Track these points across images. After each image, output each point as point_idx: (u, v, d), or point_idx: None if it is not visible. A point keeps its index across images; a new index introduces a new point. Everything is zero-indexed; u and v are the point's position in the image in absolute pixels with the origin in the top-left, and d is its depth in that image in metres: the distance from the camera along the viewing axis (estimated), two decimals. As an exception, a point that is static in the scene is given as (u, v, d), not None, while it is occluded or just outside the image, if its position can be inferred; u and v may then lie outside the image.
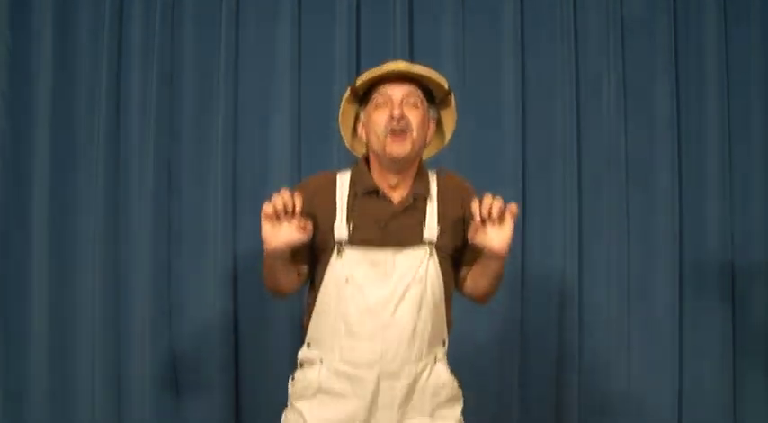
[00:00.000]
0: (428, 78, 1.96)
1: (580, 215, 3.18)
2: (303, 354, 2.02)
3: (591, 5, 3.23)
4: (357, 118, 2.03)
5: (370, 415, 1.93)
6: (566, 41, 3.19)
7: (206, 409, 3.03)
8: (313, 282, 2.03)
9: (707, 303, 3.22)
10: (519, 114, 3.16)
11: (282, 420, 2.04)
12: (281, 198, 1.82)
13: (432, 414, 1.97)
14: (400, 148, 1.91)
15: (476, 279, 2.03)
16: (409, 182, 1.98)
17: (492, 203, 1.84)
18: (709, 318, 3.21)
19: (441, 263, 1.95)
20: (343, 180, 2.00)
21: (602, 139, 3.21)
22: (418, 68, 1.97)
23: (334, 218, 1.95)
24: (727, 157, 3.23)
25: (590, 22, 3.23)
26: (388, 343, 1.91)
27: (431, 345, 1.97)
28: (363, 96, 2.00)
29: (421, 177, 2.01)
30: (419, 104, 1.95)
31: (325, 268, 1.95)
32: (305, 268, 2.04)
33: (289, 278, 2.02)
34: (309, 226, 1.87)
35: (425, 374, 1.96)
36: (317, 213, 1.96)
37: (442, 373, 2.00)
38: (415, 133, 1.93)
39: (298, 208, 1.83)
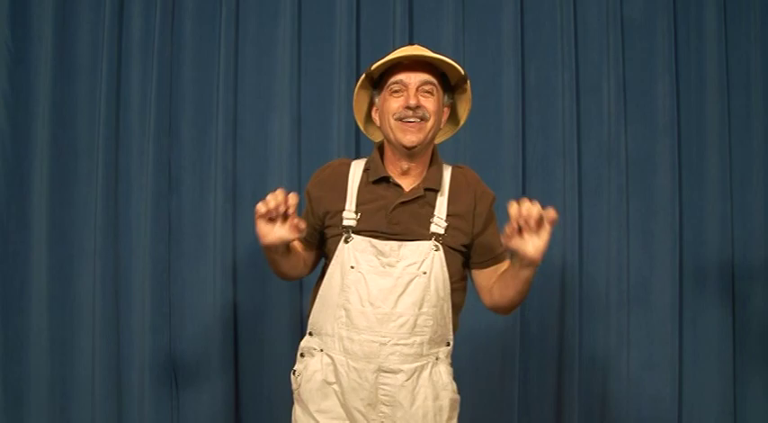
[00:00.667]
0: (443, 63, 1.96)
1: (580, 215, 3.18)
2: (304, 342, 2.04)
3: (591, 6, 3.23)
4: (372, 102, 2.04)
5: (371, 409, 1.93)
6: (566, 41, 3.19)
7: (206, 407, 3.04)
8: (323, 270, 2.03)
9: (707, 303, 3.22)
10: (519, 114, 3.16)
11: (293, 415, 2.05)
12: (275, 198, 1.84)
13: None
14: (414, 137, 1.92)
15: (503, 287, 1.97)
16: (422, 170, 1.99)
17: (530, 209, 1.79)
18: (710, 318, 3.21)
19: (447, 258, 1.94)
20: (357, 168, 2.02)
21: (602, 139, 3.21)
22: (433, 54, 1.97)
23: (344, 205, 1.96)
24: (727, 157, 3.23)
25: (590, 22, 3.23)
26: (387, 335, 1.91)
27: (432, 342, 1.96)
28: (378, 80, 2.00)
29: (435, 167, 2.00)
30: (434, 91, 1.95)
31: (333, 255, 1.97)
32: (312, 255, 2.06)
33: (292, 266, 2.06)
34: (303, 224, 1.89)
35: (426, 373, 1.95)
36: (329, 199, 1.99)
37: (443, 375, 1.99)
38: (430, 122, 1.94)
39: (291, 209, 1.84)
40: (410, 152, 1.95)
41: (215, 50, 3.10)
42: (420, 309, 1.92)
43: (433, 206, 1.96)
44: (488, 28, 3.19)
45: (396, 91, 1.94)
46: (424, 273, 1.91)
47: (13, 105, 3.02)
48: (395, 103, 1.93)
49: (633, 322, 3.19)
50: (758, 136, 3.25)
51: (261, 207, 1.85)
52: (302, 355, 2.04)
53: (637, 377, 3.18)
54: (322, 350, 1.98)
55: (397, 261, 1.92)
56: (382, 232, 1.93)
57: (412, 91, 1.92)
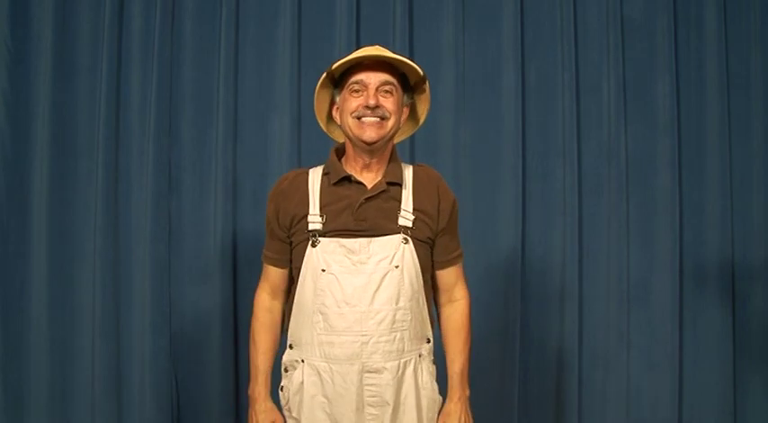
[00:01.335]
0: (403, 64, 1.98)
1: (580, 215, 3.18)
2: (286, 357, 2.03)
3: (591, 5, 3.23)
4: (333, 101, 2.05)
5: (360, 413, 1.93)
6: (566, 42, 3.19)
7: (206, 407, 3.03)
8: (293, 278, 2.03)
9: (707, 303, 3.22)
10: (519, 114, 3.16)
11: None
12: None
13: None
14: (374, 132, 1.94)
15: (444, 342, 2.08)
16: (382, 166, 2.00)
17: None
18: (710, 318, 3.21)
19: (417, 250, 1.95)
20: (316, 174, 2.03)
21: (602, 139, 3.21)
22: (393, 55, 1.98)
23: (308, 209, 1.96)
24: (727, 157, 3.23)
25: (590, 22, 3.23)
26: (368, 335, 1.91)
27: (414, 338, 1.96)
28: (339, 80, 2.01)
29: (394, 164, 2.02)
30: (394, 91, 1.97)
31: (300, 259, 1.97)
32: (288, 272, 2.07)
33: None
34: None
35: (410, 370, 1.96)
36: (292, 207, 1.98)
37: (424, 373, 2.00)
38: (390, 121, 1.96)
39: None
40: (370, 148, 1.96)
41: (215, 50, 3.10)
42: (397, 303, 1.93)
43: (398, 200, 1.97)
44: (488, 28, 3.19)
45: (356, 90, 1.95)
46: (397, 266, 1.92)
47: (13, 105, 3.02)
48: (354, 102, 1.95)
49: (633, 322, 3.19)
50: (758, 136, 3.25)
51: None
52: (286, 369, 2.04)
53: (637, 377, 3.19)
54: (303, 361, 1.98)
55: (368, 257, 1.92)
56: (350, 230, 1.93)
57: (372, 91, 1.94)
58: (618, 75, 3.21)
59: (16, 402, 3.00)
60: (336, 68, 1.98)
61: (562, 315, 3.17)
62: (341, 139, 2.08)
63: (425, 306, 2.00)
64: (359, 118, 1.94)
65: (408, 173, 2.02)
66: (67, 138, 3.05)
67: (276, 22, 3.14)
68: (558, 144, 3.19)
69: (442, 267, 2.05)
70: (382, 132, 1.95)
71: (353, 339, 1.91)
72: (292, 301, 2.01)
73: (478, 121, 3.17)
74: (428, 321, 2.02)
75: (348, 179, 1.98)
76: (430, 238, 2.00)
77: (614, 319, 3.18)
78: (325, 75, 2.00)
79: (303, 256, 1.96)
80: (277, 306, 2.09)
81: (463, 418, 2.03)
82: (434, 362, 2.06)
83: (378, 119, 1.94)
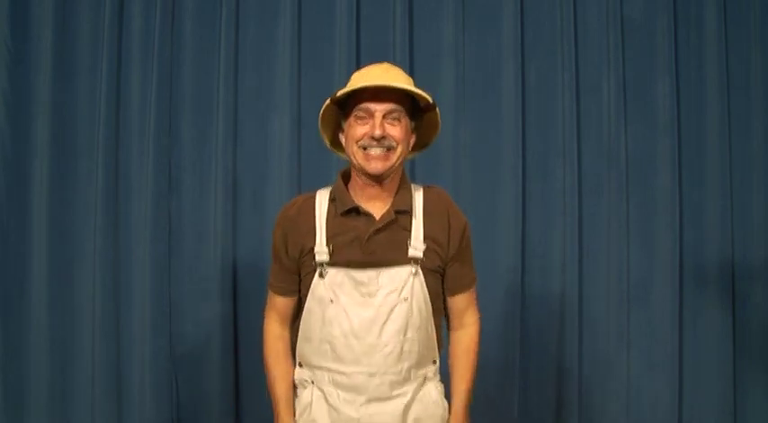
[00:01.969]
0: (411, 93, 1.89)
1: (580, 215, 3.18)
2: (297, 374, 2.01)
3: (591, 5, 3.23)
4: (338, 124, 1.97)
5: None
6: (566, 42, 3.19)
7: (206, 407, 3.04)
8: (300, 304, 1.98)
9: (707, 303, 3.22)
10: (519, 114, 3.16)
11: None
12: None
13: None
14: (379, 164, 1.87)
15: (452, 364, 2.05)
16: (391, 195, 1.93)
17: None
18: (710, 318, 3.21)
19: (427, 280, 1.91)
20: (323, 199, 1.96)
21: (602, 139, 3.21)
22: (400, 85, 1.87)
23: (315, 241, 1.90)
24: (727, 156, 3.23)
25: (590, 22, 3.23)
26: (375, 366, 1.89)
27: (419, 365, 1.94)
28: (345, 102, 1.93)
29: (403, 190, 1.95)
30: (401, 117, 1.89)
31: (307, 289, 1.92)
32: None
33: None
34: None
35: (418, 396, 1.94)
36: (300, 238, 1.92)
37: (432, 392, 1.98)
38: (397, 151, 1.89)
39: None
40: (377, 179, 1.90)
41: (215, 50, 3.10)
42: (405, 335, 1.89)
43: (408, 230, 1.91)
44: (488, 28, 3.19)
45: (361, 117, 1.87)
46: (405, 299, 1.88)
47: (13, 105, 3.02)
48: (360, 130, 1.87)
49: (633, 322, 3.19)
50: (758, 136, 3.25)
51: None
52: (295, 386, 2.02)
53: (637, 377, 3.18)
54: (313, 382, 1.96)
55: (377, 289, 1.88)
56: (358, 262, 1.88)
57: (378, 120, 1.85)
58: (618, 75, 3.20)
59: (16, 402, 3.00)
60: (341, 96, 1.90)
61: (562, 315, 3.16)
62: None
63: (434, 332, 1.97)
64: (364, 148, 1.87)
65: (419, 197, 1.96)
66: (67, 138, 3.05)
67: (276, 22, 3.14)
68: (558, 144, 3.19)
69: (453, 294, 2.01)
70: (388, 164, 1.88)
71: (360, 371, 1.89)
72: (298, 326, 1.98)
73: (478, 121, 3.17)
74: (436, 345, 1.99)
75: (356, 211, 1.91)
76: (440, 267, 1.95)
77: (614, 319, 3.18)
78: (328, 101, 1.93)
79: (310, 285, 1.92)
80: (287, 334, 2.03)
81: None
82: (441, 381, 2.04)
83: (384, 149, 1.87)
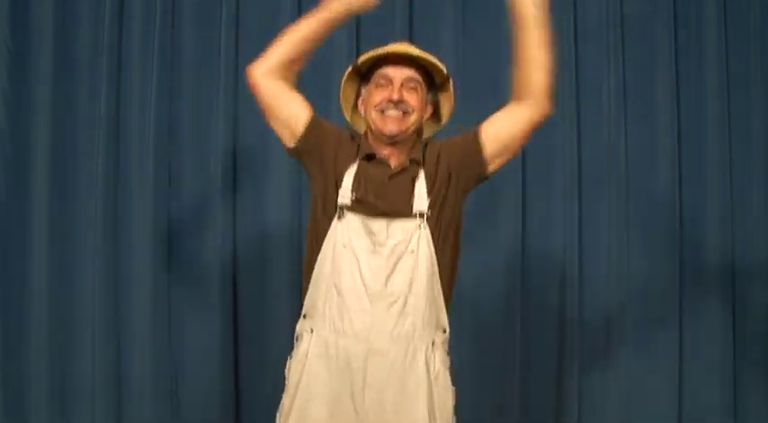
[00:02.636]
0: (428, 62, 2.02)
1: (580, 215, 3.18)
2: (299, 325, 2.03)
3: (591, 5, 3.23)
4: (358, 94, 2.08)
5: (359, 392, 1.92)
6: (566, 42, 3.19)
7: (206, 408, 3.04)
8: (311, 247, 2.02)
9: (707, 303, 3.22)
10: (519, 114, 3.15)
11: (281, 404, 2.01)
12: None
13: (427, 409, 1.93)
14: (395, 126, 1.96)
15: (520, 57, 2.12)
16: (405, 153, 2.01)
17: None
18: (710, 318, 3.21)
19: (434, 236, 1.95)
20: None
21: (602, 140, 3.21)
22: (419, 52, 2.01)
23: (342, 180, 1.97)
24: (727, 157, 3.23)
25: (590, 22, 3.23)
26: (378, 315, 1.91)
27: (426, 325, 1.94)
28: (366, 73, 2.05)
29: (417, 145, 2.03)
30: (418, 88, 2.00)
31: (324, 231, 1.97)
32: (295, 78, 2.09)
33: (316, 43, 2.07)
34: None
35: (421, 358, 1.93)
36: (334, 158, 1.99)
37: (437, 362, 1.96)
38: (412, 116, 1.98)
39: None
40: (391, 141, 1.99)
41: (215, 51, 3.10)
42: (411, 288, 1.92)
43: (414, 183, 1.97)
44: (488, 28, 3.19)
45: (381, 85, 1.99)
46: (412, 251, 1.93)
47: (13, 105, 3.02)
48: (379, 96, 1.98)
49: (633, 322, 3.19)
50: (758, 136, 3.25)
51: None
52: (297, 338, 2.04)
53: (637, 377, 3.18)
54: (313, 331, 1.98)
55: (386, 239, 1.93)
56: (373, 209, 1.94)
57: (396, 86, 1.97)
58: (618, 75, 3.21)
59: (16, 402, 3.00)
60: (363, 62, 2.02)
61: (562, 314, 3.16)
62: (363, 130, 2.10)
63: (440, 294, 1.98)
64: (382, 111, 1.97)
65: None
66: (67, 138, 3.05)
67: (276, 23, 3.13)
68: (558, 144, 3.19)
69: (491, 122, 2.10)
70: (403, 126, 1.97)
71: (364, 319, 1.91)
72: (310, 274, 2.01)
73: (478, 121, 3.15)
74: (444, 309, 1.99)
75: (374, 156, 1.99)
76: (455, 217, 2.00)
77: (614, 318, 3.18)
78: (350, 68, 2.05)
79: (327, 227, 1.96)
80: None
81: None
82: (449, 353, 2.04)
83: (400, 113, 1.97)
